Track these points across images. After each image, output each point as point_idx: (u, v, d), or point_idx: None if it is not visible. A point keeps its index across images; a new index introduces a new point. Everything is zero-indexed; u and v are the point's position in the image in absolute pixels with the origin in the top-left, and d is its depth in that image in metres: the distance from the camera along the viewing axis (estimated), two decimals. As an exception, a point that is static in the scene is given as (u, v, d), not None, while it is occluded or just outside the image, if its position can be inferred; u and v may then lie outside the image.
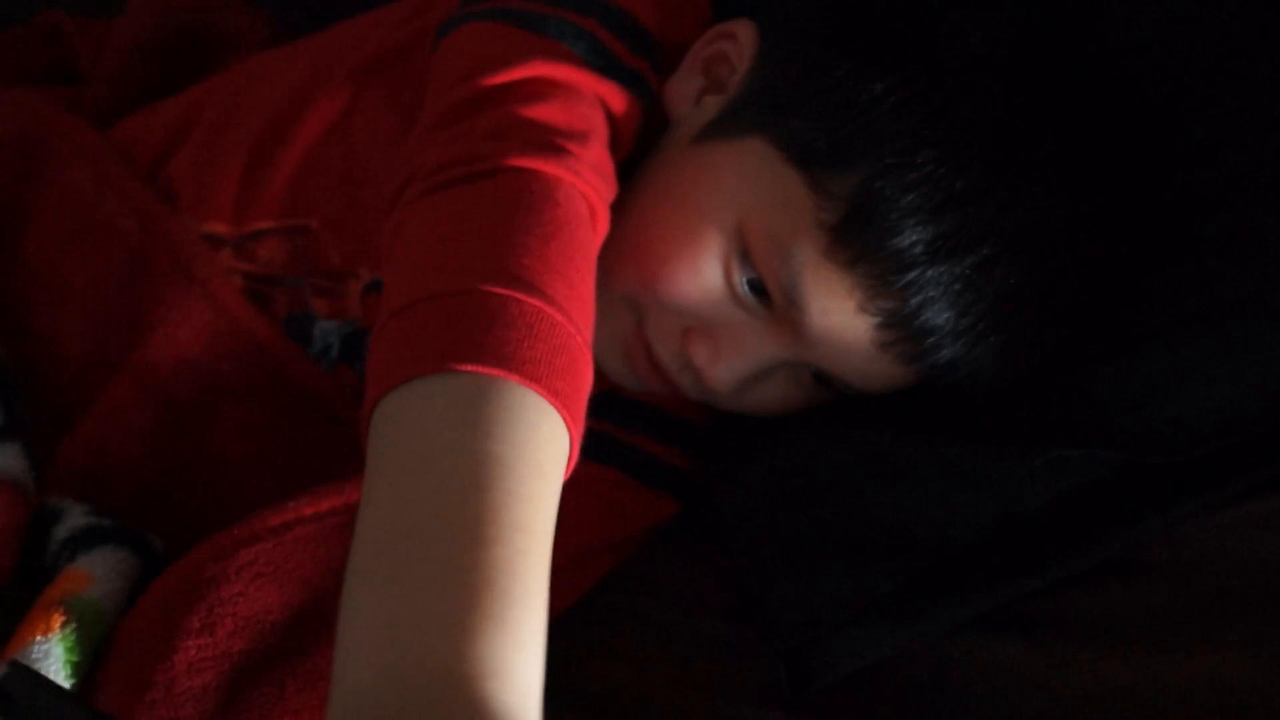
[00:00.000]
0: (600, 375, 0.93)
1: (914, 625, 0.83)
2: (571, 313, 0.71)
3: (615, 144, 0.86)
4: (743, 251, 0.84)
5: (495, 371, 0.66)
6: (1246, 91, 0.86)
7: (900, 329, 0.82)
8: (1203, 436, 0.81)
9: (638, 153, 0.90)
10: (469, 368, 0.66)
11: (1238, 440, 0.81)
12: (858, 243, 0.80)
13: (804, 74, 0.84)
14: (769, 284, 0.83)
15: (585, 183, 0.79)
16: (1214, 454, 0.81)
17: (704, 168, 0.86)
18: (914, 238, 0.80)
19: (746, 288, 0.84)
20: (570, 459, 0.70)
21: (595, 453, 0.93)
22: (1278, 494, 0.81)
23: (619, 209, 0.88)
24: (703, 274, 0.85)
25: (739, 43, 0.89)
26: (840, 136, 0.81)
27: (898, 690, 0.83)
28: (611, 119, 0.85)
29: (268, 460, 0.92)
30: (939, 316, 0.81)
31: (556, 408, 0.67)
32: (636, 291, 0.87)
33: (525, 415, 0.66)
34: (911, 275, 0.80)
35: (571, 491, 0.91)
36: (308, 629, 0.80)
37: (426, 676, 0.57)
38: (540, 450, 0.66)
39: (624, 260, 0.87)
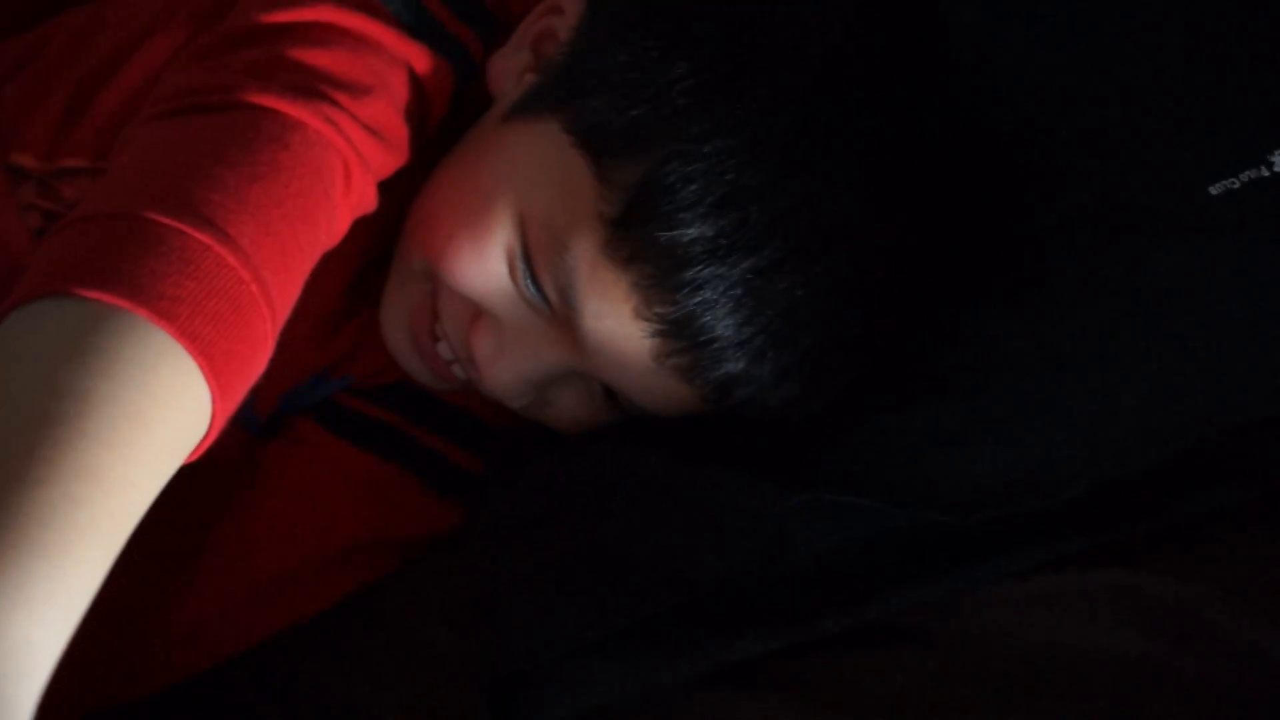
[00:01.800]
0: (394, 365, 0.87)
1: (645, 669, 0.74)
2: (255, 259, 0.64)
3: (421, 111, 0.79)
4: (525, 245, 0.76)
5: (119, 301, 0.59)
6: (1093, 134, 0.79)
7: (677, 337, 0.74)
8: (989, 499, 0.73)
9: (459, 128, 0.83)
10: (92, 293, 0.59)
11: (1028, 507, 0.73)
12: (636, 237, 0.73)
13: (608, 53, 0.76)
14: (544, 281, 0.76)
15: (342, 136, 0.72)
16: (1001, 521, 0.73)
17: (500, 149, 0.80)
18: (693, 233, 0.72)
19: (530, 285, 0.77)
20: (214, 419, 0.62)
21: (377, 444, 0.88)
22: (1065, 571, 0.73)
23: (428, 181, 0.82)
24: (486, 262, 0.78)
25: (565, 18, 0.82)
26: (631, 120, 0.74)
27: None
28: (416, 83, 0.78)
29: None
30: (717, 325, 0.73)
31: (191, 352, 0.60)
32: (428, 264, 0.81)
33: (139, 354, 0.59)
34: (688, 274, 0.72)
35: (344, 483, 0.86)
36: None
37: None
38: (149, 395, 0.58)
39: (418, 230, 0.82)
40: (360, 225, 0.76)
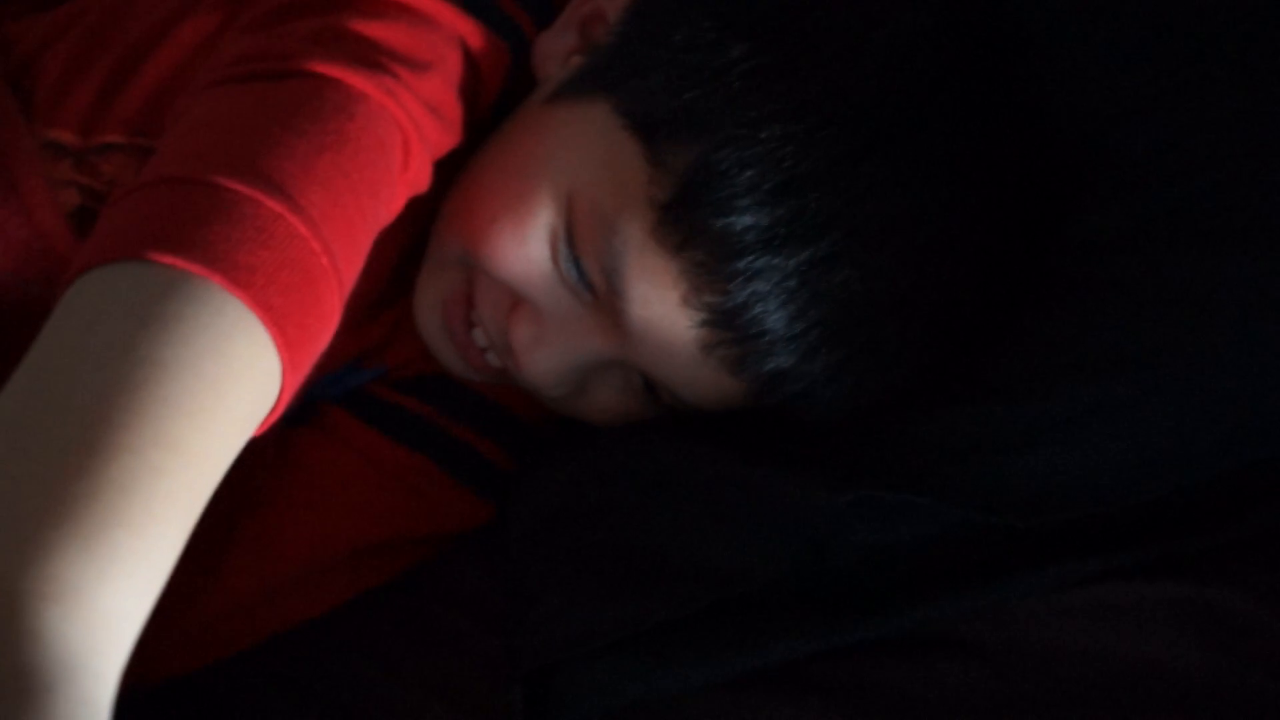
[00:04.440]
0: (428, 356, 0.86)
1: (682, 668, 0.73)
2: (324, 230, 0.63)
3: (474, 91, 0.78)
4: (570, 227, 0.75)
5: (194, 268, 0.58)
6: (1170, 137, 0.78)
7: (725, 328, 0.73)
8: (1049, 503, 0.72)
9: (504, 111, 0.82)
10: (166, 259, 0.58)
11: (1088, 514, 0.71)
12: (686, 223, 0.72)
13: (662, 34, 0.75)
14: (589, 266, 0.75)
15: (403, 111, 0.71)
16: (1058, 529, 0.72)
17: (545, 130, 0.78)
18: (747, 221, 0.71)
19: (572, 269, 0.76)
20: (283, 391, 0.61)
21: (408, 436, 0.86)
22: (1122, 583, 0.71)
23: (469, 164, 0.81)
24: (528, 246, 0.77)
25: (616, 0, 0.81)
26: (685, 103, 0.73)
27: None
28: (471, 62, 0.77)
29: None
30: (769, 317, 0.72)
31: (265, 323, 0.59)
32: (466, 249, 0.79)
33: (215, 322, 0.58)
34: (740, 264, 0.71)
35: (374, 475, 0.85)
36: None
37: None
38: (225, 365, 0.57)
39: (457, 214, 0.80)
40: (407, 208, 0.75)
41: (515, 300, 0.79)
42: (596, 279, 0.75)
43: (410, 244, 0.83)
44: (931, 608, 0.73)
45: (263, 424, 0.61)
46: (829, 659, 0.73)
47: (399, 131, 0.70)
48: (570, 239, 0.75)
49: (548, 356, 0.78)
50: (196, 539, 0.79)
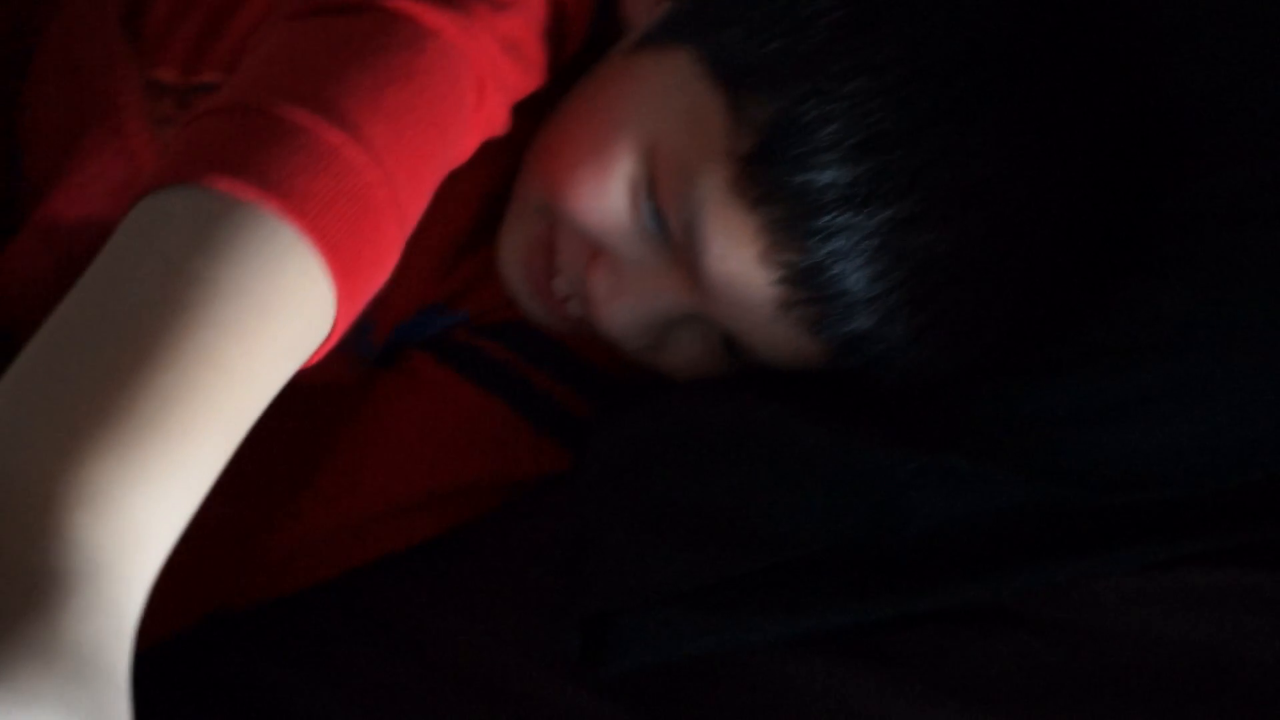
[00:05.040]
0: (511, 303, 0.85)
1: (739, 625, 0.72)
2: (386, 162, 0.62)
3: (559, 34, 0.77)
4: (651, 178, 0.74)
5: (249, 192, 0.58)
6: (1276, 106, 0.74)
7: (804, 287, 0.71)
8: (1125, 482, 0.69)
9: (591, 57, 0.81)
10: (222, 183, 0.58)
11: (1169, 494, 0.69)
12: (766, 177, 0.70)
13: None
14: (669, 218, 0.74)
15: (479, 48, 0.70)
16: (1137, 508, 0.69)
17: (629, 79, 0.77)
18: (828, 177, 0.69)
19: (652, 221, 0.75)
20: (337, 320, 0.61)
21: (490, 382, 0.86)
22: (1188, 569, 0.69)
23: (554, 110, 0.80)
24: (609, 194, 0.75)
25: None
26: (770, 53, 0.71)
27: (719, 695, 0.72)
28: (557, 4, 0.76)
29: None
30: (849, 277, 0.70)
31: (319, 249, 0.58)
32: (547, 197, 0.78)
33: (269, 247, 0.57)
34: (820, 221, 0.69)
35: (455, 419, 0.85)
36: None
37: (6, 488, 0.48)
38: (277, 289, 0.57)
39: (539, 161, 0.80)
40: (489, 153, 0.74)
41: (595, 250, 0.78)
42: (676, 231, 0.74)
43: (495, 190, 0.83)
44: (998, 581, 0.71)
45: (317, 352, 0.61)
46: (891, 627, 0.71)
47: (472, 70, 0.69)
48: (651, 190, 0.74)
49: (626, 308, 0.77)
50: (281, 472, 0.81)
